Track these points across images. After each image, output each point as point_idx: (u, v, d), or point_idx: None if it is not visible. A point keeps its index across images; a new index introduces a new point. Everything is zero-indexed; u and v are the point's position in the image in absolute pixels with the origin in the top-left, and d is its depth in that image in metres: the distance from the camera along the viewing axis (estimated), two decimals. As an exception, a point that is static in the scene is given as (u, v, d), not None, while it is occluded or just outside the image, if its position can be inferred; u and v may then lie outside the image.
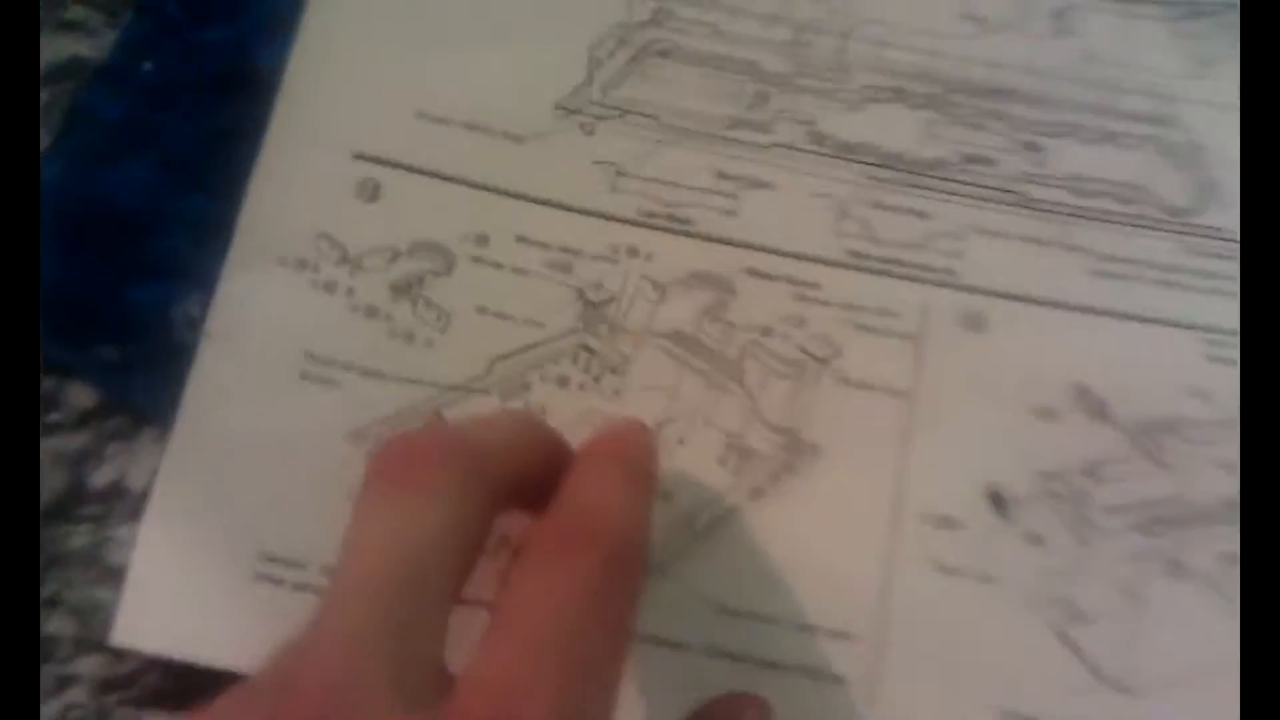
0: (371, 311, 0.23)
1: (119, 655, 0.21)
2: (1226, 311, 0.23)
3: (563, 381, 0.23)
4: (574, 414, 0.22)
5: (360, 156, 0.23)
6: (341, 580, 0.15)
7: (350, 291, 0.23)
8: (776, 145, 0.25)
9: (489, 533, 0.16)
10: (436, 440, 0.16)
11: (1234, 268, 0.24)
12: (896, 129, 0.25)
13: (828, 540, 0.22)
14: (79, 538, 0.21)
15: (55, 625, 0.21)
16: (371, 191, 0.23)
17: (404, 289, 0.23)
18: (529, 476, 0.17)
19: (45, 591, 0.21)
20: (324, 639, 0.14)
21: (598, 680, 0.14)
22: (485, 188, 0.24)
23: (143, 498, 0.21)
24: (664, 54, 0.25)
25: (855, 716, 0.20)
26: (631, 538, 0.16)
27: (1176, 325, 0.23)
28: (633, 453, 0.18)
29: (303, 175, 0.23)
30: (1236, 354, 0.23)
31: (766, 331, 0.23)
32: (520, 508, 0.17)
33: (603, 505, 0.16)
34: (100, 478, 0.22)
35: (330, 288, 0.23)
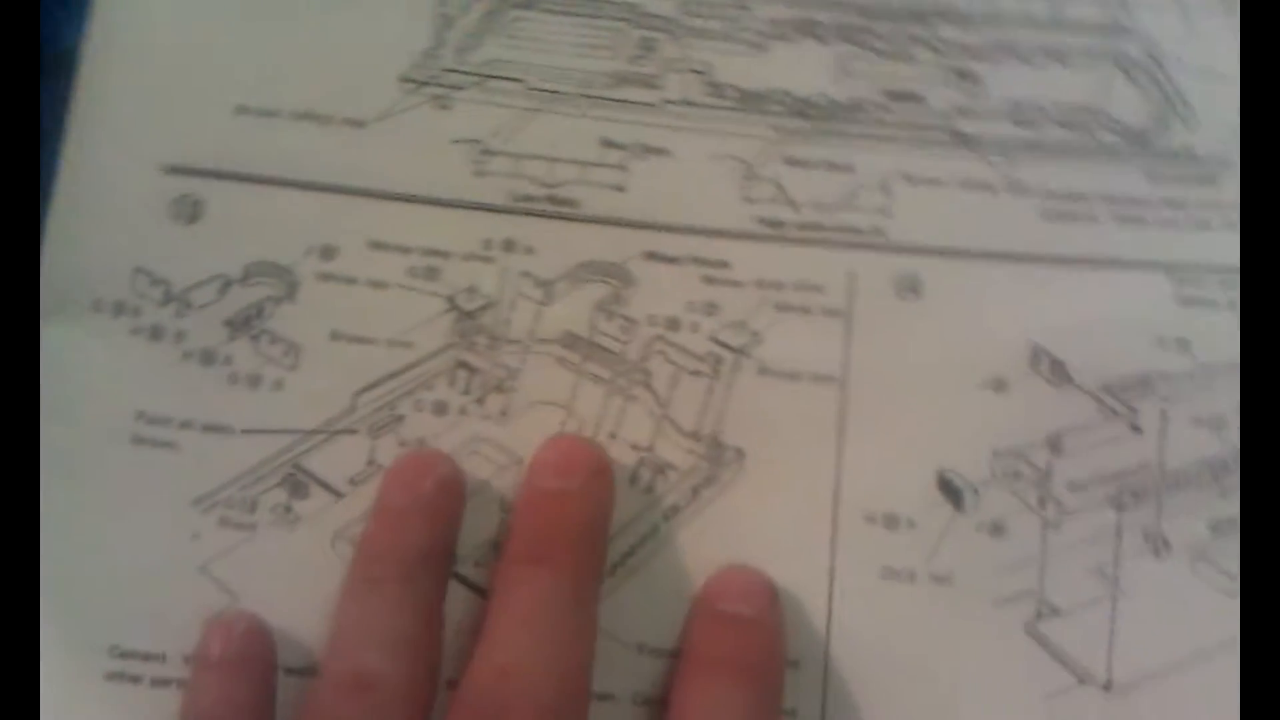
0: (207, 356, 0.20)
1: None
2: (1197, 245, 0.22)
3: (440, 408, 0.21)
4: (457, 444, 0.21)
5: (173, 169, 0.21)
6: None
7: (180, 335, 0.20)
8: (668, 102, 0.22)
9: None
10: None
11: (1206, 193, 0.22)
12: (807, 70, 0.22)
13: (760, 558, 0.20)
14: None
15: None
16: (191, 211, 0.21)
17: (242, 324, 0.21)
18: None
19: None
20: None
21: None
22: (326, 188, 0.21)
23: (-35, 597, 0.20)
24: (527, 3, 0.23)
25: (803, 753, 0.20)
26: None
27: (1141, 266, 0.22)
28: (761, 670, 0.19)
29: (107, 196, 0.21)
30: (1211, 293, 0.22)
31: (673, 324, 0.21)
32: None
33: None
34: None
35: (156, 334, 0.20)
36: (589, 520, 0.19)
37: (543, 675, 0.17)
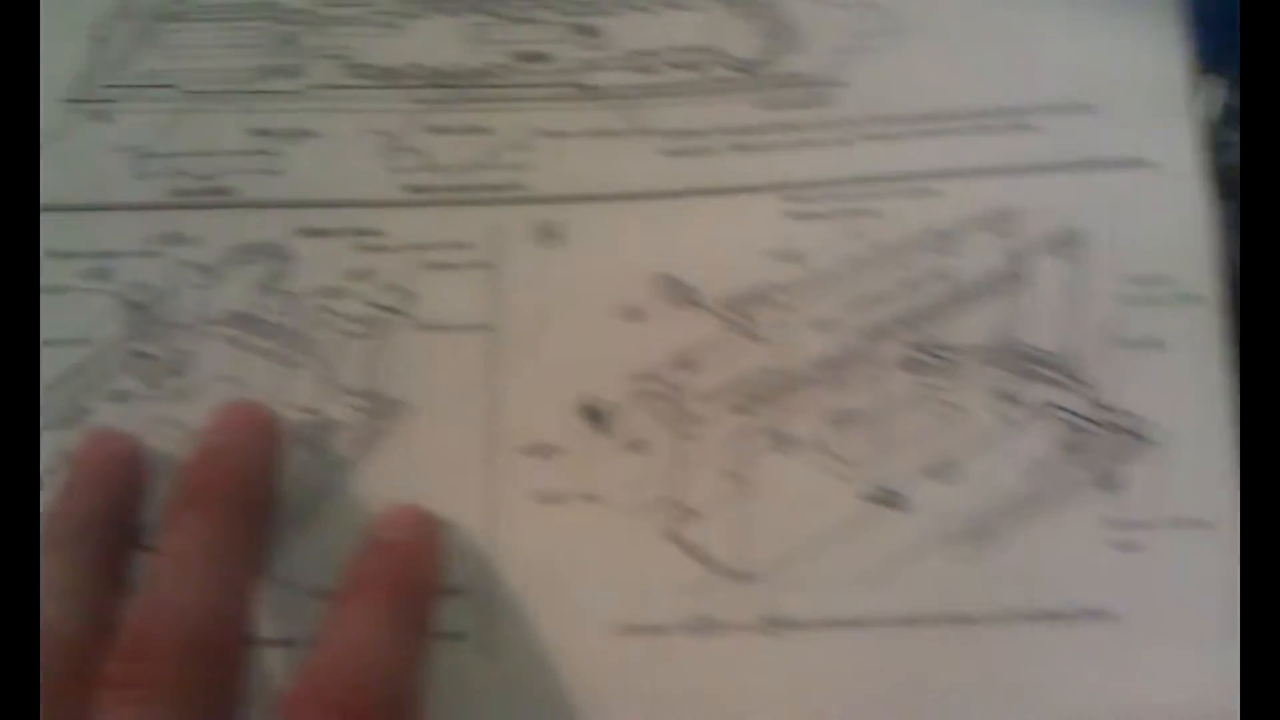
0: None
1: None
2: (805, 163, 0.23)
3: (121, 397, 0.23)
4: (141, 426, 0.23)
5: None
6: None
7: None
8: (313, 87, 0.24)
9: None
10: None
11: (814, 114, 0.24)
12: (440, 43, 0.24)
13: (427, 498, 0.22)
14: None
15: None
16: None
17: (-74, 338, 0.23)
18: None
19: None
20: None
21: None
22: None
23: None
24: (175, 17, 0.25)
25: (476, 672, 0.21)
26: (397, 693, 0.19)
27: (754, 190, 0.23)
28: (398, 585, 0.20)
29: None
30: (818, 207, 0.24)
31: (332, 293, 0.23)
32: None
33: (366, 659, 0.19)
34: None
35: None
36: (244, 468, 0.21)
37: (191, 609, 0.19)
